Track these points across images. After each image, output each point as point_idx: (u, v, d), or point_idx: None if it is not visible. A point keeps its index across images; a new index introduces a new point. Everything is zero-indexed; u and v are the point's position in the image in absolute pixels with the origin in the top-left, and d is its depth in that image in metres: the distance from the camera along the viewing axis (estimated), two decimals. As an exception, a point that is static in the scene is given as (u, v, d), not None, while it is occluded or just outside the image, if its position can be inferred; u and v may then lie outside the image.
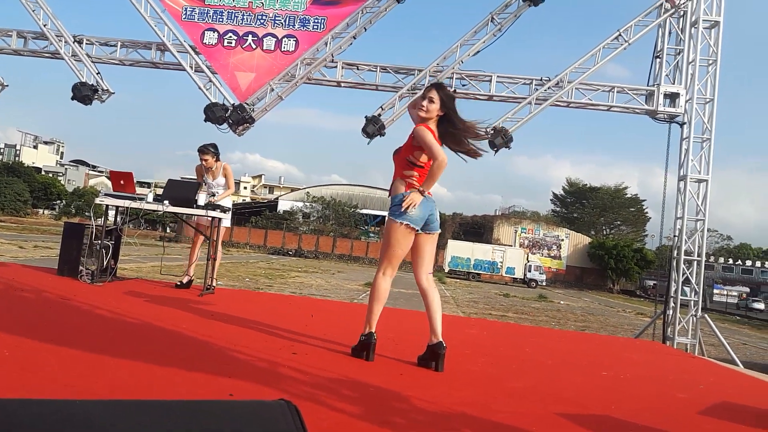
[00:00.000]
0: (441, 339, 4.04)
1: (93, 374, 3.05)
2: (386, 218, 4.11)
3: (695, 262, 9.25)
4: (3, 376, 2.84)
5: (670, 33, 9.56)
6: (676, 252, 9.33)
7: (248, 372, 3.47)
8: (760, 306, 40.61)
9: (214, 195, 7.33)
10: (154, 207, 6.78)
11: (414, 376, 3.87)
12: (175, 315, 5.30)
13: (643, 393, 4.26)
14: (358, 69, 9.93)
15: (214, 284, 7.31)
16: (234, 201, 9.01)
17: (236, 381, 3.19)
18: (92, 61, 10.04)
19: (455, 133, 4.13)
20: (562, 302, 28.38)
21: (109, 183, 7.25)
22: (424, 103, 4.08)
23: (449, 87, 9.67)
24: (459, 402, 3.34)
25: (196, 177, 7.62)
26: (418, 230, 4.05)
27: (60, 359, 3.27)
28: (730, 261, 53.16)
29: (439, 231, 4.25)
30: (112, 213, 7.29)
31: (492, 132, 9.25)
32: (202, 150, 7.32)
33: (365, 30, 9.66)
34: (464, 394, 3.58)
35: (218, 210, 6.91)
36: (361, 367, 3.90)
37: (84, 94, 9.75)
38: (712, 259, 48.39)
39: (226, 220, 7.21)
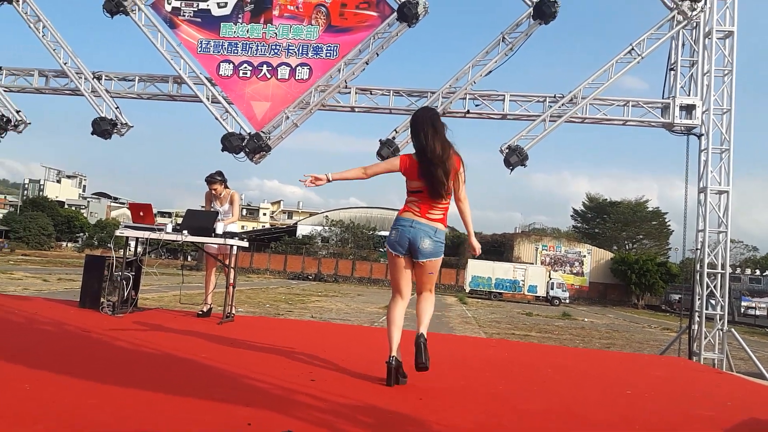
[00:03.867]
0: (423, 332, 4.03)
1: (108, 406, 3.06)
2: None
3: (719, 275, 9.08)
4: (22, 411, 2.87)
5: (683, 45, 9.50)
6: (699, 265, 9.17)
7: (266, 400, 3.46)
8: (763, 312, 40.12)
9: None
10: (173, 237, 6.86)
11: (433, 400, 3.83)
12: (194, 344, 5.33)
13: (668, 411, 4.16)
14: (371, 94, 10.01)
15: (233, 312, 7.35)
16: (254, 227, 9.11)
17: (254, 410, 3.19)
18: (111, 96, 10.26)
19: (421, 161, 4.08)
20: (586, 320, 27.96)
21: (130, 214, 7.38)
22: None
23: (462, 108, 9.72)
24: (476, 425, 3.30)
25: (204, 204, 7.77)
26: (396, 255, 4.09)
27: (78, 392, 3.31)
28: (758, 272, 52.00)
29: (427, 261, 4.09)
30: (133, 244, 7.39)
31: (507, 150, 9.24)
32: (211, 180, 7.48)
33: (377, 55, 9.75)
34: (483, 417, 3.54)
35: (236, 238, 6.98)
36: (379, 392, 3.87)
37: (103, 128, 9.95)
38: (738, 270, 47.38)
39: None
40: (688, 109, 9.35)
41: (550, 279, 46.92)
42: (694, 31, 9.41)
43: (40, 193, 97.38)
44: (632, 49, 9.25)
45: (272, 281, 42.24)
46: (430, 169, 3.98)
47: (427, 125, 4.07)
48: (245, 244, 7.45)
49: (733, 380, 6.40)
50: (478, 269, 45.67)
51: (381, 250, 58.28)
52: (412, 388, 4.07)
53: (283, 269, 54.37)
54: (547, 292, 45.18)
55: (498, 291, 45.34)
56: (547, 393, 4.58)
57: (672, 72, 9.56)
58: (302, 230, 63.15)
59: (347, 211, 64.35)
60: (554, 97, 9.55)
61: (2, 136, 10.44)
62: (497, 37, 9.39)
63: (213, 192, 7.54)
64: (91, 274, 7.18)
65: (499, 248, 57.79)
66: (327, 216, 63.51)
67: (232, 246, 7.00)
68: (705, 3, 9.12)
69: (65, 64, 10.25)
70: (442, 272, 49.43)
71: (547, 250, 56.95)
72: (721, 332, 8.98)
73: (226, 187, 7.62)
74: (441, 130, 4.08)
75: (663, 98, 9.51)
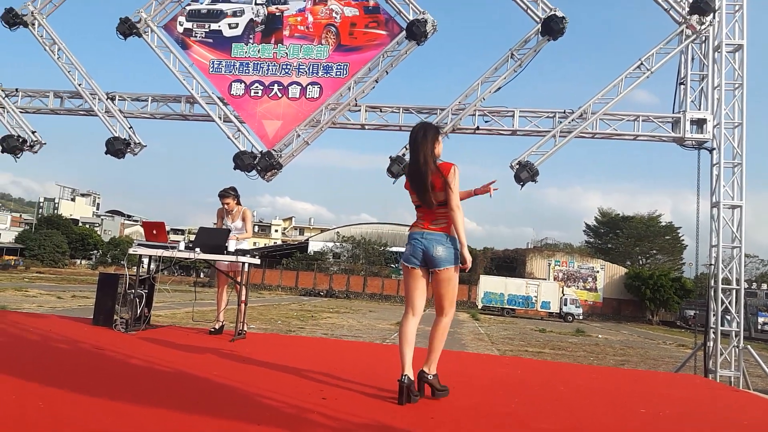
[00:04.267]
0: (424, 369, 4.12)
1: (120, 424, 3.08)
2: None
3: (734, 291, 8.98)
4: (37, 428, 2.90)
5: (693, 59, 9.49)
6: (713, 281, 9.08)
7: (277, 418, 3.46)
8: None
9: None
10: (185, 255, 6.91)
11: (444, 418, 3.81)
12: (206, 362, 5.34)
13: (683, 431, 4.11)
14: (381, 111, 10.08)
15: (245, 329, 7.36)
16: (265, 244, 9.15)
17: (265, 427, 3.19)
18: (124, 116, 10.42)
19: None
20: (600, 336, 27.68)
21: (143, 231, 7.45)
22: None
23: (472, 125, 9.76)
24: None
25: (216, 221, 7.81)
26: (411, 267, 4.15)
27: (91, 409, 3.32)
28: (774, 287, 51.24)
29: (442, 269, 4.10)
30: (146, 261, 7.45)
31: (518, 166, 9.25)
32: (223, 194, 7.53)
33: (387, 73, 9.83)
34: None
35: (247, 255, 7.02)
36: (391, 411, 3.85)
37: (117, 148, 10.09)
38: (754, 286, 46.71)
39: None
40: (699, 124, 9.32)
41: (564, 295, 46.48)
42: (704, 45, 9.40)
43: (55, 211, 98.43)
44: (641, 63, 9.26)
45: (284, 297, 42.27)
46: (415, 180, 4.18)
47: (415, 140, 4.20)
48: (257, 261, 7.49)
49: (749, 398, 6.30)
50: (491, 285, 45.41)
51: (393, 266, 58.12)
52: (424, 406, 4.05)
53: (294, 285, 54.43)
54: (561, 308, 44.76)
55: (511, 307, 45.00)
56: (561, 411, 4.54)
57: (682, 86, 9.54)
58: (313, 246, 63.24)
59: (358, 227, 64.37)
60: (564, 112, 9.56)
61: (18, 156, 10.60)
62: (506, 54, 9.44)
63: (225, 207, 7.58)
64: (105, 291, 7.23)
65: (511, 264, 57.44)
66: (338, 232, 63.59)
67: (243, 263, 7.03)
68: (714, 17, 9.13)
69: (80, 85, 10.43)
70: (454, 288, 48.99)
71: (559, 266, 56.54)
72: (737, 349, 8.86)
73: (238, 203, 7.67)
74: (427, 143, 4.16)
75: (673, 112, 9.49)
